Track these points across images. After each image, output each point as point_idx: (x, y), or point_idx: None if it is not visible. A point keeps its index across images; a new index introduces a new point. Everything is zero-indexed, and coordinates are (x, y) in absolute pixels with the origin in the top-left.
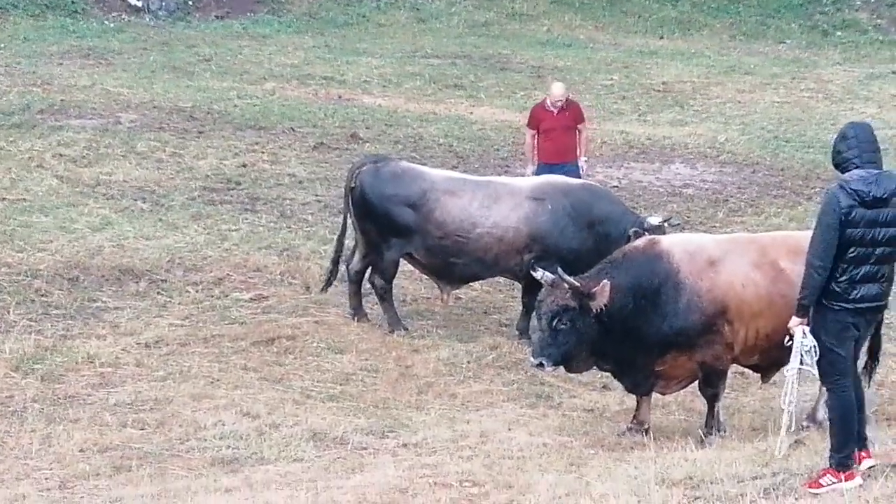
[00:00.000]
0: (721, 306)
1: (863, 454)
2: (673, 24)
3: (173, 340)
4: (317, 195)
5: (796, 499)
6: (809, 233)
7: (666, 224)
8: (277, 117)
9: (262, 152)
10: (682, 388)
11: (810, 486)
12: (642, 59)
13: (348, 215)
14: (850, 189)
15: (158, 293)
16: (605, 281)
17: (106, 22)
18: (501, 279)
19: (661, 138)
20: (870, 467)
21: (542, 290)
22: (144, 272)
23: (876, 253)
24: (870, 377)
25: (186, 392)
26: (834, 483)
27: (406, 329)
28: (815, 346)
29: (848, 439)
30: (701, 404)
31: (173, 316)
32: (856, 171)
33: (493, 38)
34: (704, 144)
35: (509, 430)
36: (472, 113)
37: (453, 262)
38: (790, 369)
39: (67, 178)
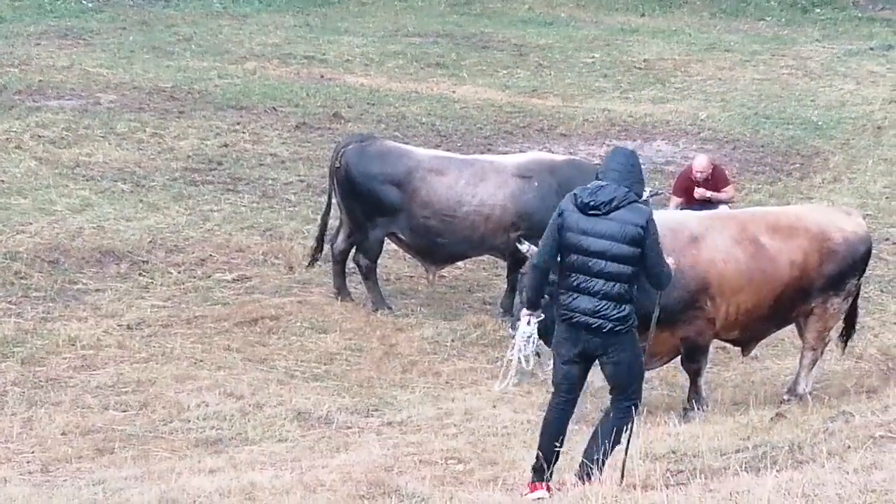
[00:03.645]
0: (703, 282)
1: (539, 484)
2: (654, 2)
3: (155, 322)
4: (299, 175)
5: (778, 471)
6: (790, 208)
7: (648, 197)
8: (259, 97)
9: (244, 132)
10: (665, 363)
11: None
12: (623, 36)
13: (333, 194)
14: (574, 193)
15: (140, 275)
16: None
17: (84, 2)
18: (485, 257)
19: (643, 115)
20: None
21: (526, 263)
22: (125, 254)
23: (597, 265)
24: (845, 345)
25: (169, 373)
26: (531, 493)
27: (390, 308)
28: (534, 337)
29: (539, 449)
30: (683, 379)
31: (155, 297)
32: (593, 182)
33: (474, 16)
34: (685, 122)
35: (494, 407)
36: (454, 91)
37: (439, 242)
38: (509, 357)
39: (46, 159)
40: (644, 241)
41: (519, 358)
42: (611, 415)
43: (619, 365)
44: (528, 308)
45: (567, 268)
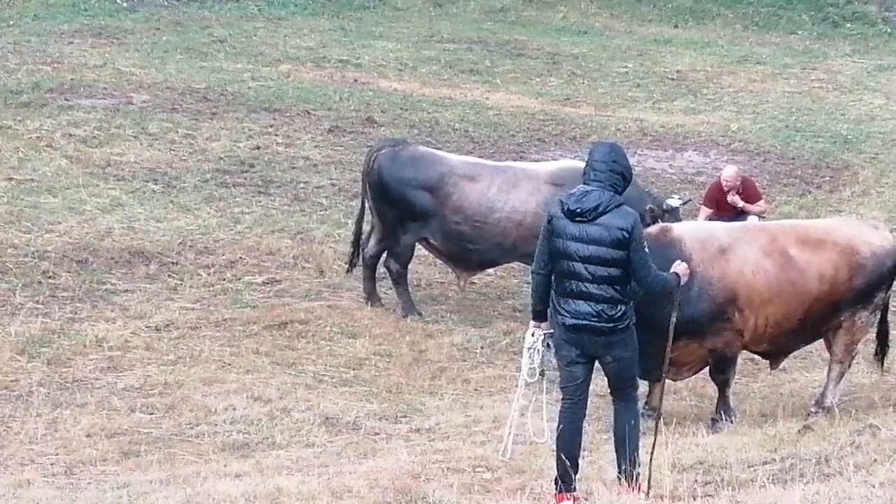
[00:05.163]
0: (732, 294)
1: (565, 494)
2: (687, 14)
3: (184, 324)
4: (331, 179)
5: (805, 484)
6: (819, 221)
7: (680, 205)
8: (292, 100)
9: (276, 135)
10: (694, 374)
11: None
12: (657, 47)
13: (366, 199)
14: (561, 199)
15: (169, 276)
16: None
17: (118, 1)
18: (516, 264)
19: (675, 126)
20: None
21: None
22: (155, 255)
23: (586, 270)
24: (881, 362)
25: (197, 376)
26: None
27: (420, 314)
28: (538, 349)
29: (559, 460)
30: (712, 390)
31: (184, 299)
32: (579, 186)
33: (509, 24)
34: (717, 133)
35: (522, 415)
36: (487, 98)
37: (471, 248)
38: (521, 371)
39: (77, 158)
40: (629, 244)
41: (526, 372)
42: (622, 418)
43: (621, 362)
44: (533, 318)
45: (561, 273)
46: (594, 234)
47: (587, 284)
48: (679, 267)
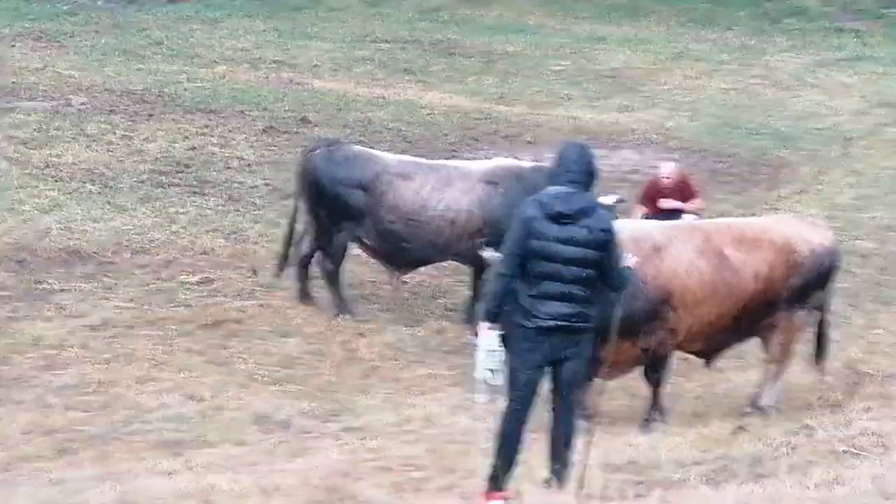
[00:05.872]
0: (665, 293)
1: (495, 493)
2: (622, 10)
3: (119, 323)
4: (265, 179)
5: (739, 485)
6: (756, 220)
7: (614, 202)
8: (227, 101)
9: (212, 136)
10: (626, 373)
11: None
12: (591, 45)
13: (299, 199)
14: (539, 201)
15: (105, 276)
16: None
17: (58, 5)
18: (447, 263)
19: (610, 124)
20: None
21: (489, 270)
22: (92, 255)
23: (569, 271)
24: (822, 367)
25: (131, 375)
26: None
27: (352, 313)
28: (496, 349)
29: (496, 459)
30: (644, 389)
31: (120, 298)
32: (553, 188)
33: (443, 23)
34: (652, 130)
35: (453, 414)
36: (421, 98)
37: (404, 246)
38: (476, 372)
39: (17, 159)
40: (608, 245)
41: (484, 374)
42: (565, 420)
43: (582, 360)
44: (487, 320)
45: (538, 276)
46: (579, 236)
47: (569, 286)
48: (630, 260)
